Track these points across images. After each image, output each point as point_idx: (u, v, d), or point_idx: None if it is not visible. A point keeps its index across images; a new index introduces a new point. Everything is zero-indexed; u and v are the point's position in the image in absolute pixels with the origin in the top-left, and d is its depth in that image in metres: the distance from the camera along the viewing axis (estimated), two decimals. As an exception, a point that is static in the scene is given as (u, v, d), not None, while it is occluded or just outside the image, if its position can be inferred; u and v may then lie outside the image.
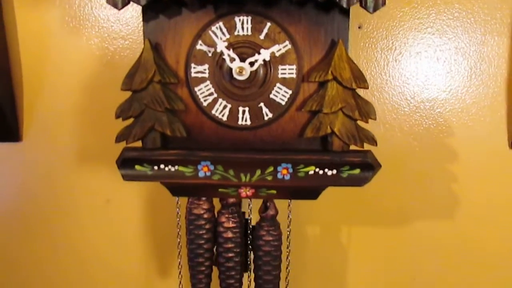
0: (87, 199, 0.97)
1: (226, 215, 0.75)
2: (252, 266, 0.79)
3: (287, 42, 0.66)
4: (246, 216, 0.78)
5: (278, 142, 0.69)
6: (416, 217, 0.94)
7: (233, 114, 0.68)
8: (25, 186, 0.98)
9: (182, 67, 0.67)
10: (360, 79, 0.65)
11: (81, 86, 0.92)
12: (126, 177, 0.69)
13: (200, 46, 0.66)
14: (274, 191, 0.71)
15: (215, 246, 0.77)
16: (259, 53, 0.65)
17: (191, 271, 0.78)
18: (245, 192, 0.70)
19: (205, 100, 0.68)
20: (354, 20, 0.86)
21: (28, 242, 1.00)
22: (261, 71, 0.66)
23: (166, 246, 0.98)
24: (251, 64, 0.64)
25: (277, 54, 0.66)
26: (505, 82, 0.88)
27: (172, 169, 0.68)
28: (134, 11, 0.88)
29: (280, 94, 0.67)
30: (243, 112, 0.68)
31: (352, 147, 0.67)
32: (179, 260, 0.79)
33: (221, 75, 0.66)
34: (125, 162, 0.68)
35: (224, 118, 0.68)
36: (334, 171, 0.67)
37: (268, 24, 0.65)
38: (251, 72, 0.65)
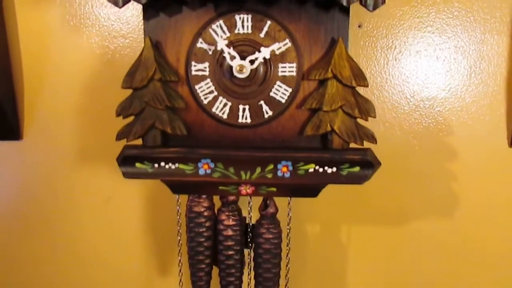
0: (87, 198, 0.97)
1: (226, 213, 0.76)
2: (252, 264, 0.79)
3: (287, 40, 0.66)
4: (245, 214, 0.79)
5: (278, 140, 0.69)
6: (415, 215, 0.94)
7: (233, 112, 0.68)
8: (25, 185, 0.98)
9: (183, 65, 0.67)
10: (360, 77, 0.65)
11: (82, 85, 0.92)
12: (126, 175, 0.69)
13: (201, 44, 0.67)
14: (274, 189, 0.71)
15: (215, 244, 0.78)
16: (259, 51, 0.65)
17: (191, 268, 0.79)
18: (245, 189, 0.71)
19: (205, 98, 0.68)
20: (354, 19, 0.86)
21: (28, 241, 1.00)
22: (261, 69, 0.66)
23: (166, 244, 0.98)
24: (251, 62, 0.65)
25: (277, 52, 0.66)
26: (504, 81, 0.88)
27: (173, 166, 0.68)
28: (134, 10, 0.89)
29: (280, 92, 0.67)
30: (243, 110, 0.68)
31: (352, 145, 0.67)
32: (179, 258, 0.79)
33: (221, 73, 0.67)
34: (125, 160, 0.68)
35: (225, 116, 0.68)
36: (334, 169, 0.67)
37: (268, 22, 0.65)
38: (251, 70, 0.65)
